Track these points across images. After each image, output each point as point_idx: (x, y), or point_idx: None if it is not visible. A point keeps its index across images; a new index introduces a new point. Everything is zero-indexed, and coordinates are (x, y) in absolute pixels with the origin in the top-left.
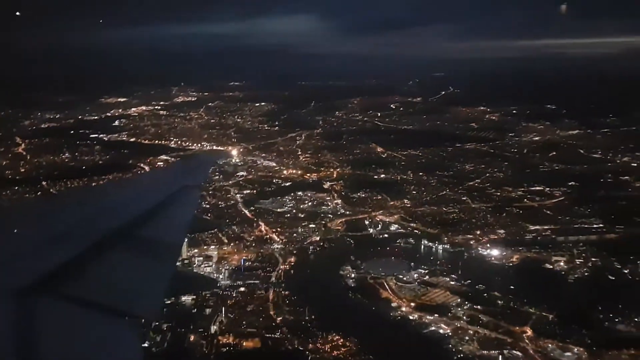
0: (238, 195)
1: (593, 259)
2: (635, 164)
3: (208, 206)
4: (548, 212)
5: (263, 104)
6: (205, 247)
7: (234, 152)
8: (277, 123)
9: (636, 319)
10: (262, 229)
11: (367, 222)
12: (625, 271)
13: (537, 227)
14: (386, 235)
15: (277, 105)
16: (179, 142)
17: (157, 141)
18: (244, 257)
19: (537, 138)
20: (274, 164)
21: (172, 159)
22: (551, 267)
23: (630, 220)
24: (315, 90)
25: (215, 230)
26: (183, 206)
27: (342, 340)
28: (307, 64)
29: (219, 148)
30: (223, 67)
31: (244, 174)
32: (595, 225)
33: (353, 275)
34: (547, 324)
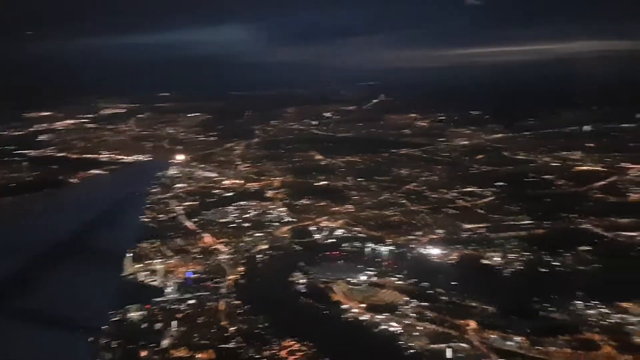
0: (179, 207)
1: (525, 253)
2: (555, 164)
3: (149, 219)
4: (480, 211)
5: (197, 114)
6: (149, 261)
7: (171, 162)
8: (212, 133)
9: (568, 307)
10: (207, 240)
11: (312, 229)
12: (555, 263)
13: (472, 225)
14: (333, 240)
15: (212, 115)
16: (111, 155)
17: (87, 155)
18: (190, 270)
19: (465, 142)
20: (214, 175)
21: (105, 172)
22: (487, 262)
23: (555, 216)
24: (250, 100)
25: (158, 244)
26: (128, 214)
27: (297, 345)
28: (241, 73)
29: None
30: (153, 78)
31: (184, 185)
32: (524, 222)
33: (303, 280)
34: (489, 316)
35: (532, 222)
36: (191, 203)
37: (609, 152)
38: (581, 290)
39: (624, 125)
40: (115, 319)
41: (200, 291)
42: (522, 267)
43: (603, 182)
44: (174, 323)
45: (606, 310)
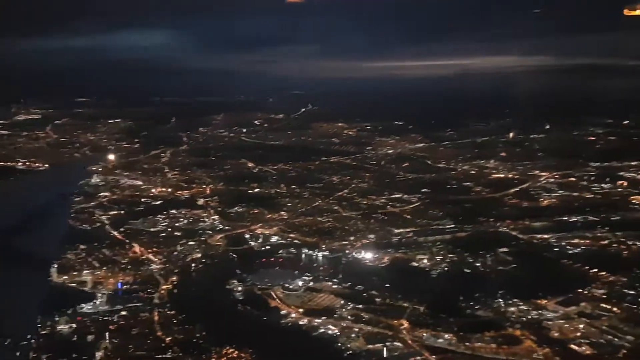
0: (104, 216)
1: (450, 255)
2: (474, 171)
3: (72, 230)
4: (408, 216)
5: (118, 120)
6: (75, 272)
7: (94, 169)
8: (137, 140)
9: (491, 305)
10: (137, 250)
11: (247, 236)
12: (477, 264)
13: (401, 230)
14: (268, 247)
15: (135, 122)
16: (27, 163)
17: (1, 163)
18: (120, 281)
19: (391, 151)
20: (140, 183)
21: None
22: (417, 264)
23: (475, 220)
24: (176, 106)
25: (84, 255)
26: (51, 221)
27: (236, 352)
28: (167, 79)
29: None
30: (70, 83)
31: (108, 194)
32: (448, 226)
33: (240, 288)
34: (420, 315)
35: (455, 226)
36: (117, 212)
37: (520, 160)
38: (502, 289)
39: (533, 135)
40: (44, 332)
41: (133, 302)
42: (448, 269)
43: (517, 189)
44: (107, 335)
45: (525, 307)
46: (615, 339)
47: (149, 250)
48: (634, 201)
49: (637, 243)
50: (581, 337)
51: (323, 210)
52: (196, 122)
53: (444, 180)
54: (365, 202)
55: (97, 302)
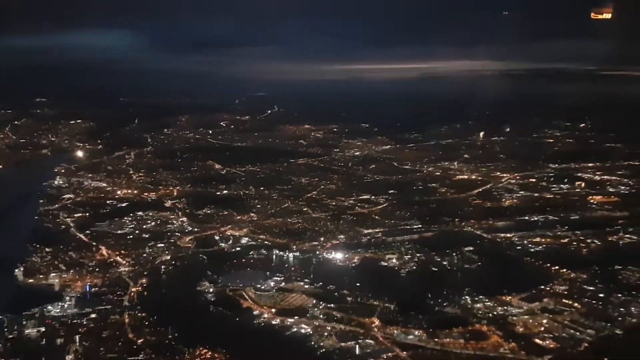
0: (69, 219)
1: (418, 255)
2: (438, 173)
3: (37, 232)
4: (376, 217)
5: (79, 121)
6: (42, 275)
7: (57, 170)
8: (99, 141)
9: (459, 302)
10: (104, 252)
11: (217, 238)
12: (444, 263)
13: (370, 230)
14: (238, 249)
15: (97, 123)
16: None
17: None
18: (88, 283)
19: (358, 153)
20: (105, 185)
21: None
22: (386, 264)
23: (441, 220)
24: (139, 107)
25: (50, 257)
26: (19, 218)
27: (210, 352)
28: (128, 80)
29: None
30: (30, 83)
31: (71, 196)
32: (415, 226)
33: (211, 289)
34: (390, 313)
35: (422, 226)
36: (82, 214)
37: (483, 162)
38: (468, 287)
39: (494, 138)
40: (11, 335)
41: (102, 305)
42: (416, 267)
43: (480, 190)
44: (77, 338)
45: (490, 304)
46: (577, 333)
47: (117, 253)
48: (591, 201)
49: (596, 241)
50: (545, 332)
51: (292, 212)
52: (160, 123)
53: (410, 181)
54: (334, 203)
55: (66, 305)
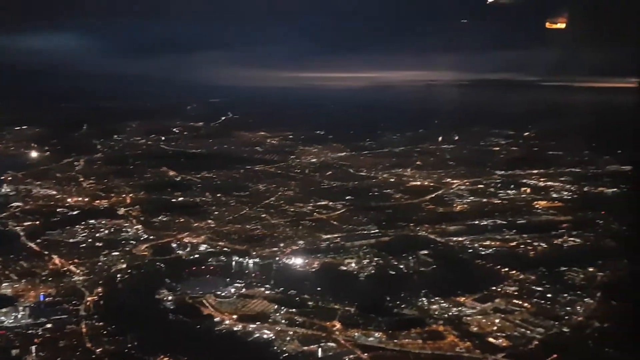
0: (18, 227)
1: (376, 259)
2: (393, 179)
3: None
4: (335, 222)
5: (25, 127)
6: None
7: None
8: (47, 148)
9: (416, 304)
10: (57, 261)
11: (174, 245)
12: (401, 266)
13: (329, 235)
14: (196, 256)
15: (43, 128)
16: None
17: None
18: (42, 293)
19: (314, 160)
20: (54, 192)
21: None
22: (345, 268)
23: (397, 225)
24: (87, 113)
25: (0, 267)
26: None
27: None
28: (75, 84)
29: None
30: None
31: (20, 204)
32: (372, 231)
33: (170, 297)
34: (351, 316)
35: (378, 230)
36: (32, 223)
37: (434, 169)
38: (424, 289)
39: (444, 146)
40: None
41: (57, 314)
42: (374, 271)
43: (432, 195)
44: (33, 348)
45: (446, 305)
46: (528, 332)
47: (70, 262)
48: (537, 206)
49: (542, 244)
50: (497, 331)
51: (251, 218)
52: (110, 129)
53: (366, 187)
54: (292, 209)
55: (19, 316)
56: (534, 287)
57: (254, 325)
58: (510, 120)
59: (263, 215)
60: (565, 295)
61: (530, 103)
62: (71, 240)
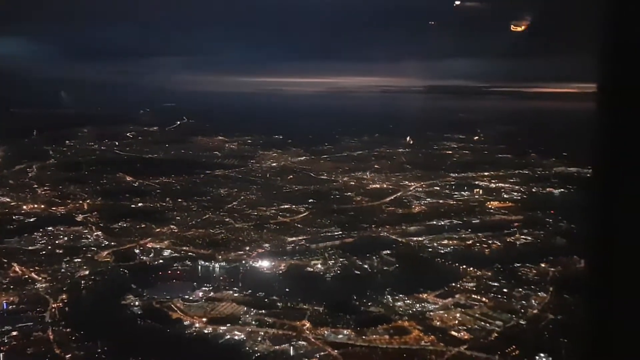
0: None
1: (341, 259)
2: (353, 182)
3: None
4: (299, 225)
5: None
6: None
7: None
8: None
9: (381, 301)
10: (17, 269)
11: (137, 251)
12: (365, 266)
13: (294, 238)
14: (161, 261)
15: None
16: None
17: None
18: (4, 301)
19: (274, 164)
20: (9, 199)
21: None
22: (312, 269)
23: (359, 226)
24: (36, 118)
25: None
26: None
27: None
28: (23, 90)
29: None
30: None
31: None
32: (336, 233)
33: (137, 303)
34: (320, 315)
35: (342, 232)
36: None
37: (392, 172)
38: (388, 287)
39: (400, 150)
40: None
41: (22, 322)
42: (340, 271)
43: (391, 197)
44: (1, 356)
45: (410, 301)
46: (487, 325)
47: (31, 269)
48: (489, 206)
49: (496, 242)
50: (459, 325)
51: (214, 223)
52: (61, 134)
53: (327, 191)
54: (255, 213)
55: None
56: (490, 282)
57: (225, 328)
58: (461, 125)
59: (226, 220)
60: (521, 290)
61: (480, 109)
62: (30, 248)
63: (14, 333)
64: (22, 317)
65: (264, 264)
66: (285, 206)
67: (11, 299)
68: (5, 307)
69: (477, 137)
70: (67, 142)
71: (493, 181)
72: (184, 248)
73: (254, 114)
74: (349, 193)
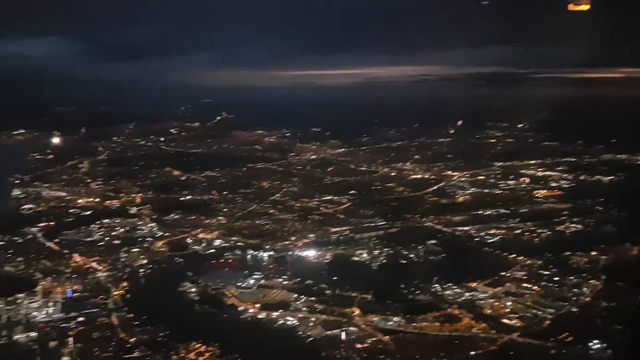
0: (34, 228)
1: (386, 249)
2: (393, 173)
3: (4, 243)
4: (342, 216)
5: (22, 131)
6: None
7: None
8: (48, 151)
9: (429, 290)
10: (78, 259)
11: (189, 241)
12: (411, 255)
13: (337, 228)
14: (212, 251)
15: (40, 132)
16: None
17: None
18: (69, 289)
19: (314, 156)
20: (64, 194)
21: None
22: (357, 259)
23: (402, 217)
24: (81, 117)
25: (24, 267)
26: None
27: (204, 347)
28: (65, 89)
29: None
30: None
31: (32, 206)
32: (379, 223)
33: (193, 289)
34: (368, 303)
35: (385, 222)
36: (47, 223)
37: (433, 162)
38: (436, 276)
39: (440, 139)
40: (1, 342)
41: (87, 309)
42: (385, 261)
43: (434, 187)
44: (71, 340)
45: (459, 290)
46: (539, 312)
47: (91, 259)
48: (537, 195)
49: (545, 231)
50: (510, 313)
51: (260, 214)
52: (108, 131)
53: (368, 182)
54: (298, 204)
55: (51, 311)
56: (541, 271)
57: (277, 313)
58: (504, 112)
59: (271, 211)
60: (572, 278)
61: (523, 96)
62: (89, 239)
63: (81, 319)
64: (86, 304)
65: (310, 253)
66: (327, 197)
67: (75, 287)
68: (70, 294)
69: (521, 125)
70: (114, 138)
71: (540, 169)
72: (233, 238)
73: (290, 108)
74: (390, 184)
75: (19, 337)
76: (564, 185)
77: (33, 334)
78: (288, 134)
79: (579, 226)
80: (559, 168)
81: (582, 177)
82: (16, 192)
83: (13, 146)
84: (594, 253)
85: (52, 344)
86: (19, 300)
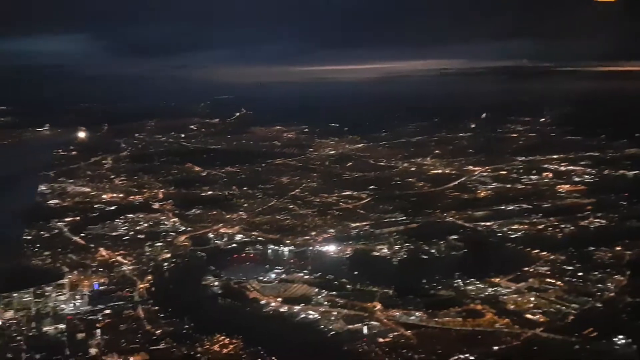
0: (60, 223)
1: (406, 244)
2: (413, 168)
3: (31, 237)
4: (361, 211)
5: (46, 127)
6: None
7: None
8: (72, 147)
9: (451, 285)
10: (103, 253)
11: (211, 235)
12: (432, 251)
13: (357, 224)
14: (234, 245)
15: (63, 128)
16: None
17: None
18: (96, 282)
19: (332, 152)
20: (89, 189)
21: None
22: (378, 254)
23: (423, 212)
24: (103, 113)
25: (51, 260)
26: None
27: (227, 339)
28: (87, 85)
29: None
30: None
31: (57, 201)
32: (400, 218)
33: (216, 283)
34: (390, 297)
35: (406, 218)
36: (72, 218)
37: (454, 157)
38: (458, 271)
39: (461, 134)
40: (30, 333)
41: (113, 301)
42: (406, 256)
43: (455, 183)
44: (98, 332)
45: (481, 285)
46: (563, 308)
47: (117, 253)
48: (560, 190)
49: (569, 226)
50: (534, 308)
51: (280, 209)
52: (129, 128)
53: (387, 177)
54: (318, 200)
55: (78, 304)
56: (564, 266)
57: (299, 307)
58: (526, 106)
59: (291, 206)
60: (596, 273)
61: (545, 90)
62: (114, 234)
63: (107, 311)
64: (113, 296)
65: (331, 248)
66: (347, 193)
67: (102, 280)
68: (97, 287)
69: (543, 119)
70: (136, 134)
71: (562, 164)
72: (254, 233)
73: (308, 103)
74: (410, 179)
75: (47, 328)
76: (588, 180)
77: (61, 326)
78: (306, 130)
79: (603, 221)
80: (582, 162)
81: (605, 172)
82: (42, 187)
83: (38, 142)
84: (618, 248)
85: (80, 335)
86: (47, 293)
